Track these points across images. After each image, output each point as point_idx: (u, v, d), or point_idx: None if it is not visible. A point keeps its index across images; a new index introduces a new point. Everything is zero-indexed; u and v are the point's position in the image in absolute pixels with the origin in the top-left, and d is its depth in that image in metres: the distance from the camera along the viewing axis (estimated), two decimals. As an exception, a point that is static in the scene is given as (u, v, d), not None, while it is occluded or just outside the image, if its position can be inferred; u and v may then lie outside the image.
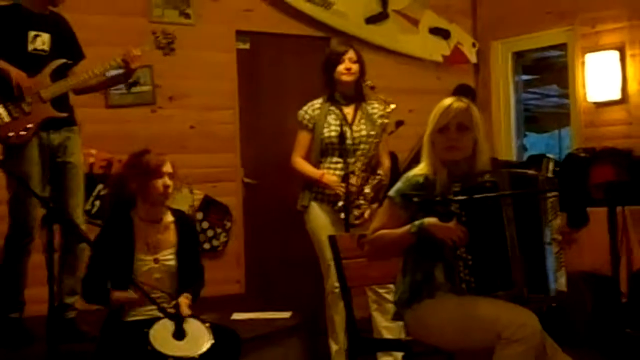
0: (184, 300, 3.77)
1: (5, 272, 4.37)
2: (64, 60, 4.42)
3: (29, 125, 4.26)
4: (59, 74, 4.39)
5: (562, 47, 6.79)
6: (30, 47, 4.34)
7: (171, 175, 3.83)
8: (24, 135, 4.24)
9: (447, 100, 3.45)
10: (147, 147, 3.97)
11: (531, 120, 9.07)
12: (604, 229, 3.83)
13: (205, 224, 5.87)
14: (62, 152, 4.42)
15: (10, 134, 4.21)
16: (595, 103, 6.22)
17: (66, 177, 4.43)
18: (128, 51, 4.42)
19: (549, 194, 3.37)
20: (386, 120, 4.82)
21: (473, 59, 7.05)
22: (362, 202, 4.71)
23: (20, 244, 4.31)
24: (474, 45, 7.03)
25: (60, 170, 4.42)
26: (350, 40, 5.60)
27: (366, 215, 4.68)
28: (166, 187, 3.80)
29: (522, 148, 7.24)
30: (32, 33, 4.34)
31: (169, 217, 3.92)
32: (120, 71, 4.50)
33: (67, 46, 4.49)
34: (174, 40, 4.65)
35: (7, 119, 4.23)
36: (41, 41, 4.36)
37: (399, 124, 5.29)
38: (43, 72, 4.34)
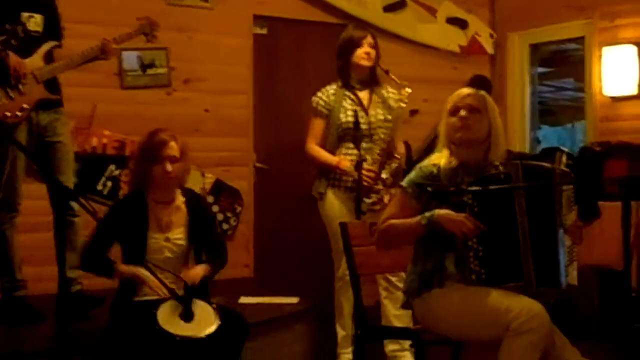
0: (200, 269, 3.79)
1: None
2: (57, 42, 4.46)
3: (25, 106, 4.30)
4: (50, 56, 4.42)
5: (579, 40, 6.75)
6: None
7: (174, 159, 3.78)
8: (20, 116, 4.28)
9: (461, 89, 3.48)
10: (160, 128, 3.93)
11: (546, 113, 9.03)
12: (614, 223, 3.80)
13: (215, 208, 5.87)
14: (52, 132, 4.44)
15: (8, 113, 4.25)
16: (611, 97, 6.18)
17: (55, 156, 4.44)
18: (106, 44, 4.42)
19: (565, 188, 3.37)
20: (403, 105, 4.79)
21: (490, 49, 7.00)
22: (380, 187, 4.69)
23: (5, 219, 4.38)
24: (491, 36, 6.99)
25: (49, 149, 4.43)
26: (367, 27, 5.58)
27: (385, 200, 4.64)
28: (166, 172, 3.77)
29: (536, 140, 7.21)
30: (25, 14, 4.36)
31: (180, 198, 3.91)
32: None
33: (56, 27, 4.51)
34: (155, 28, 4.61)
35: (4, 99, 4.26)
36: (34, 22, 4.38)
37: (414, 112, 5.29)
38: (37, 52, 4.36)
